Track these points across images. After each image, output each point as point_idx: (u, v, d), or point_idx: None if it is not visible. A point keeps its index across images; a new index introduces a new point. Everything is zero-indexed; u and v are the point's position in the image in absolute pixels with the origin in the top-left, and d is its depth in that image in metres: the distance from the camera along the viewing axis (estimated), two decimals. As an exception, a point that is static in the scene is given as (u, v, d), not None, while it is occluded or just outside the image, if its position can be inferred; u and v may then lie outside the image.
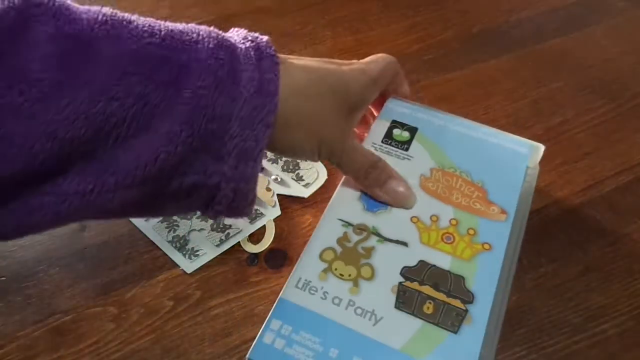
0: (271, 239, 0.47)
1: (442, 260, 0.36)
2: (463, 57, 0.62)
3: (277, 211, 0.49)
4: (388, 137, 0.42)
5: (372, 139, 0.42)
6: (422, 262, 0.36)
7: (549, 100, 0.58)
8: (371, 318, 0.34)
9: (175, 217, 0.48)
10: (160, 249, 0.46)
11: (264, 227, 0.48)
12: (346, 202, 0.39)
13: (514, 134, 0.43)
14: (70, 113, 0.26)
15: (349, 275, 0.35)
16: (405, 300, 0.34)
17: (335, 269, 0.36)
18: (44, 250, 0.47)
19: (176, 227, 0.48)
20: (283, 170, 0.52)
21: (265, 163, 0.52)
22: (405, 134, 0.43)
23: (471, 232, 0.38)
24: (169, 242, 0.47)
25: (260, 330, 0.33)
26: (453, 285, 0.35)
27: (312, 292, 0.35)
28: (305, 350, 0.32)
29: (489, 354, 0.32)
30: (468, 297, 0.34)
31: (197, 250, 0.46)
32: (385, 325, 0.33)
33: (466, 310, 0.34)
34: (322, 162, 0.51)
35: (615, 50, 0.63)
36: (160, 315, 0.42)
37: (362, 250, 0.37)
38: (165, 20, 0.32)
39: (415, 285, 0.35)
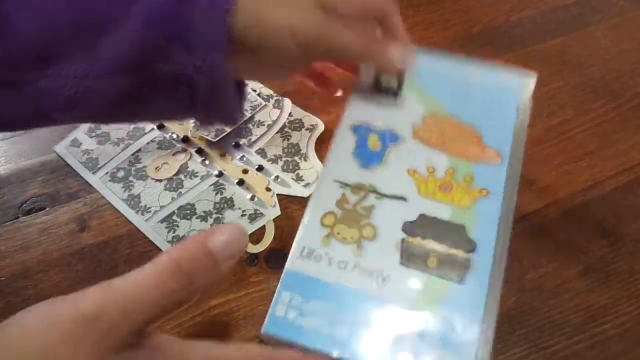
0: (271, 239, 0.47)
1: (441, 211, 0.36)
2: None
3: (277, 211, 0.49)
4: (376, 85, 0.41)
5: (358, 89, 0.41)
6: (422, 216, 0.36)
7: (550, 100, 0.57)
8: (378, 278, 0.34)
9: (175, 217, 0.48)
10: (160, 249, 0.46)
11: (263, 227, 0.48)
12: (340, 162, 0.38)
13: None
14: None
15: (352, 238, 0.35)
16: (409, 256, 0.34)
17: (338, 233, 0.35)
18: (44, 251, 0.47)
19: (176, 227, 0.48)
20: (283, 170, 0.52)
21: (265, 163, 0.52)
22: (393, 82, 0.41)
23: (468, 179, 0.37)
24: (169, 242, 0.47)
25: (272, 304, 0.33)
26: (455, 235, 0.35)
27: (316, 259, 0.35)
28: (318, 319, 0.32)
29: (494, 302, 0.33)
30: (470, 246, 0.34)
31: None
32: (392, 283, 0.33)
33: (469, 259, 0.34)
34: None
35: (616, 50, 0.63)
36: (160, 315, 0.42)
37: (361, 210, 0.36)
38: None
39: (417, 240, 0.35)
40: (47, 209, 0.50)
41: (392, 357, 0.31)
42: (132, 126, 0.56)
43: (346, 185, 0.37)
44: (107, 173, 0.52)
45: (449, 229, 0.35)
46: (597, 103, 0.57)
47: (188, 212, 0.49)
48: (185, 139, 0.54)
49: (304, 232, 0.36)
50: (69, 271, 0.45)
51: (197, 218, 0.48)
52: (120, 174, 0.52)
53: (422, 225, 0.35)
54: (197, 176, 0.52)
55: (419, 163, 0.38)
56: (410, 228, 0.35)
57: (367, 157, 0.38)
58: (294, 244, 0.35)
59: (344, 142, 0.39)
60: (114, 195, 0.50)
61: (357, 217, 0.36)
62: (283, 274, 0.34)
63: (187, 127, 0.55)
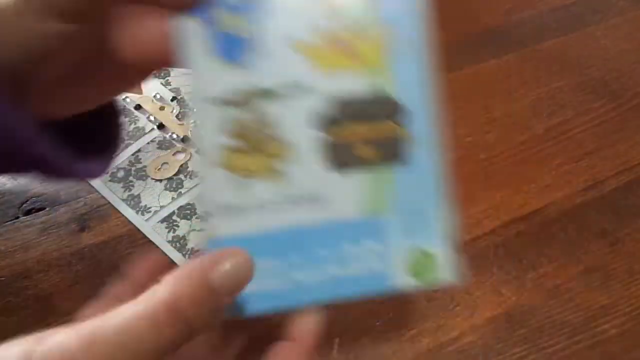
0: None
1: (351, 81, 0.28)
2: (463, 57, 0.62)
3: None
4: None
5: None
6: (331, 98, 0.28)
7: (549, 100, 0.57)
8: (314, 200, 0.28)
9: (175, 217, 0.48)
10: (161, 249, 0.46)
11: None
12: (203, 70, 0.28)
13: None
14: None
15: (263, 167, 0.28)
16: (336, 157, 0.28)
17: (245, 169, 0.28)
18: (44, 251, 0.47)
19: (176, 227, 0.48)
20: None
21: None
22: None
23: (367, 19, 0.29)
24: (168, 242, 0.47)
25: None
26: (377, 106, 0.28)
27: (236, 213, 0.28)
28: (270, 279, 0.27)
29: (444, 169, 0.28)
30: (399, 111, 0.28)
31: (197, 251, 0.46)
32: (332, 198, 0.28)
33: (404, 128, 0.28)
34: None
35: (616, 50, 0.63)
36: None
37: (257, 125, 0.28)
38: None
39: (337, 131, 0.28)
40: (47, 209, 0.50)
41: (353, 274, 0.27)
42: (132, 126, 0.56)
43: (225, 101, 0.28)
44: (107, 173, 0.52)
45: (368, 100, 0.28)
46: (597, 103, 0.57)
47: (188, 212, 0.49)
48: (185, 139, 0.54)
49: (204, 187, 0.28)
50: (69, 271, 0.45)
51: (197, 218, 0.48)
52: (120, 174, 0.52)
53: (335, 111, 0.28)
54: (198, 176, 0.52)
55: (301, 27, 0.28)
56: (322, 121, 0.28)
57: (230, 46, 0.28)
58: (199, 208, 0.29)
59: (193, 40, 0.28)
60: (114, 195, 0.50)
61: (255, 136, 0.28)
62: (207, 247, 0.28)
63: (187, 127, 0.55)
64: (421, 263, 0.28)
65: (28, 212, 0.49)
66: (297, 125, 0.28)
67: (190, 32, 0.28)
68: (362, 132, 0.28)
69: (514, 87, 0.59)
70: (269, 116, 0.28)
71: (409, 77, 0.28)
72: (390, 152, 0.27)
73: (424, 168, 0.27)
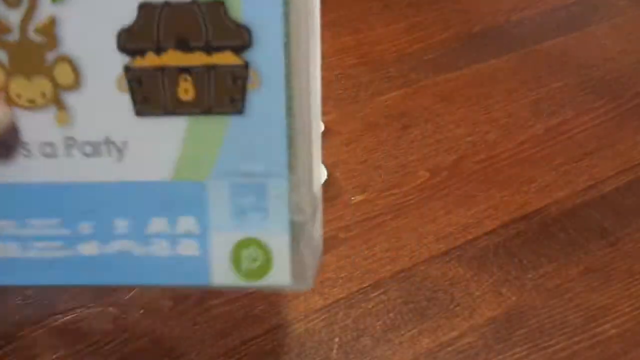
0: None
1: None
2: (463, 57, 0.62)
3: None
4: None
5: None
6: (144, 6, 0.19)
7: (549, 100, 0.57)
8: (111, 151, 0.20)
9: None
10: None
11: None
12: None
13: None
14: None
15: (42, 96, 0.20)
16: (147, 95, 0.20)
17: (19, 96, 0.20)
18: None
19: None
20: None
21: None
22: None
23: None
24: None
25: None
26: (210, 26, 0.19)
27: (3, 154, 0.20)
28: (46, 243, 0.20)
29: (303, 135, 0.19)
30: (242, 38, 0.19)
31: None
32: (136, 152, 0.20)
33: (246, 64, 0.19)
34: None
35: (616, 49, 0.63)
36: (160, 315, 0.42)
37: (37, 35, 0.19)
38: None
39: (150, 59, 0.19)
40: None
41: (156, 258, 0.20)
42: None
43: None
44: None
45: (197, 15, 0.19)
46: (597, 103, 0.57)
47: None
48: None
49: None
50: (69, 271, 0.45)
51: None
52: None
53: (149, 25, 0.19)
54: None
55: None
56: (130, 39, 0.19)
57: None
58: None
59: None
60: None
61: (35, 52, 0.20)
62: None
63: None
64: (252, 256, 0.20)
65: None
66: (95, 40, 0.19)
67: None
68: (184, 62, 0.19)
69: (514, 87, 0.59)
70: (53, 22, 0.19)
71: None
72: (222, 93, 0.19)
73: (268, 120, 0.19)
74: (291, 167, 0.20)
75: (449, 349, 0.40)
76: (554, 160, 0.52)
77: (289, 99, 0.19)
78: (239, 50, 0.19)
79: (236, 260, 0.20)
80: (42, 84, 0.20)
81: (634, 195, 0.49)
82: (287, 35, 0.19)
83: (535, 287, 0.43)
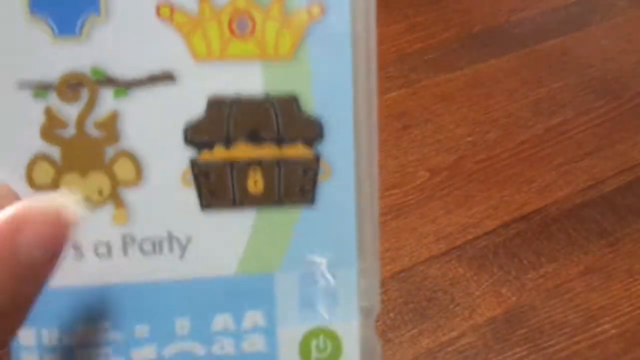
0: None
1: (246, 77, 0.19)
2: (463, 57, 0.62)
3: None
4: None
5: None
6: (213, 101, 0.19)
7: (549, 100, 0.58)
8: (173, 248, 0.19)
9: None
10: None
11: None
12: (9, 36, 0.18)
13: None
14: None
15: (99, 193, 0.19)
16: (214, 189, 0.19)
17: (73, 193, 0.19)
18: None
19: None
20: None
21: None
22: None
23: None
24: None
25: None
26: (282, 119, 0.19)
27: None
28: (97, 349, 0.19)
29: (371, 222, 0.20)
30: (314, 131, 0.19)
31: None
32: (200, 248, 0.19)
33: (317, 157, 0.19)
34: None
35: (616, 49, 0.63)
36: None
37: (97, 129, 0.19)
38: None
39: (219, 152, 0.19)
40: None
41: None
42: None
43: (43, 86, 0.18)
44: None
45: (270, 109, 0.19)
46: (597, 103, 0.57)
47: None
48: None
49: None
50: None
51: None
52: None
53: (218, 119, 0.19)
54: None
55: None
56: (198, 132, 0.19)
57: (59, 3, 0.18)
58: None
59: None
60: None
61: (93, 147, 0.19)
62: None
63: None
64: (321, 346, 0.20)
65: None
66: (159, 134, 0.19)
67: None
68: (255, 155, 0.19)
69: (514, 87, 0.59)
70: (116, 117, 0.19)
71: (333, 81, 0.19)
72: (293, 185, 0.19)
73: (338, 209, 0.19)
74: (360, 254, 0.19)
75: (449, 348, 0.40)
76: (554, 160, 0.52)
77: (358, 187, 0.19)
78: (310, 142, 0.19)
79: (305, 351, 0.20)
80: (99, 181, 0.19)
81: (633, 195, 0.49)
82: (355, 125, 0.19)
83: (535, 287, 0.43)
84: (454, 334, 0.41)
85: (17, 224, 0.16)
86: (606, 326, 0.41)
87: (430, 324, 0.41)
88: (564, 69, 0.61)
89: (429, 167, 0.51)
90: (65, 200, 0.17)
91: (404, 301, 0.42)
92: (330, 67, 0.19)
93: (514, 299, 0.43)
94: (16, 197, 0.18)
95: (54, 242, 0.16)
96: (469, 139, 0.54)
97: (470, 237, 0.46)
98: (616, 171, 0.51)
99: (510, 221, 0.47)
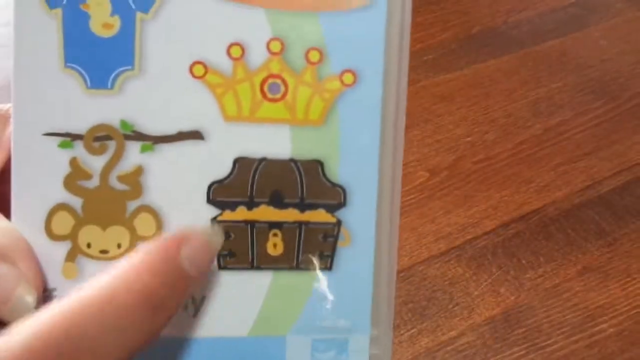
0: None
1: (274, 140, 0.18)
2: (463, 58, 0.62)
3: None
4: None
5: None
6: (240, 161, 0.18)
7: (548, 101, 0.58)
8: (187, 306, 0.19)
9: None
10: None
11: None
12: (41, 85, 0.18)
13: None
14: None
15: (119, 246, 0.19)
16: (233, 249, 0.19)
17: (89, 246, 0.18)
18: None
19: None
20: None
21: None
22: None
23: (314, 55, 0.18)
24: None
25: None
26: (306, 184, 0.19)
27: None
28: None
29: (386, 285, 0.19)
30: (336, 197, 0.19)
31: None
32: (214, 307, 0.19)
33: (338, 223, 0.19)
34: None
35: (614, 50, 0.63)
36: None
37: (120, 183, 0.18)
38: None
39: (241, 213, 0.19)
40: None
41: None
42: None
43: (70, 136, 0.18)
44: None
45: (295, 174, 0.19)
46: (595, 104, 0.57)
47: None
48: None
49: None
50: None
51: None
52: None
53: (243, 180, 0.19)
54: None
55: (210, 41, 0.18)
56: (222, 192, 0.18)
57: (94, 56, 0.18)
58: None
59: (29, 29, 0.17)
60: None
61: (116, 200, 0.18)
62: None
63: None
64: None
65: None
66: (182, 192, 0.18)
67: (29, 23, 0.17)
68: (277, 218, 0.19)
69: (513, 87, 0.59)
70: (141, 171, 0.18)
71: (361, 149, 0.19)
72: (312, 250, 0.19)
73: (355, 276, 0.19)
74: (373, 321, 0.19)
75: (448, 348, 0.40)
76: (553, 161, 0.52)
77: (377, 255, 0.19)
78: (332, 208, 0.19)
79: None
80: (118, 234, 0.19)
81: (631, 196, 0.49)
82: (379, 194, 0.19)
83: (533, 286, 0.44)
84: (453, 333, 0.41)
85: (181, 239, 0.17)
86: (604, 325, 0.41)
87: (429, 323, 0.42)
88: (563, 70, 0.61)
89: (428, 167, 0.51)
90: (216, 231, 0.18)
91: (403, 301, 0.43)
92: (359, 135, 0.19)
93: (512, 298, 0.43)
94: (29, 250, 0.18)
95: (206, 260, 0.18)
96: (468, 139, 0.54)
97: (469, 237, 0.46)
98: (614, 171, 0.51)
99: (509, 221, 0.47)
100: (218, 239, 0.18)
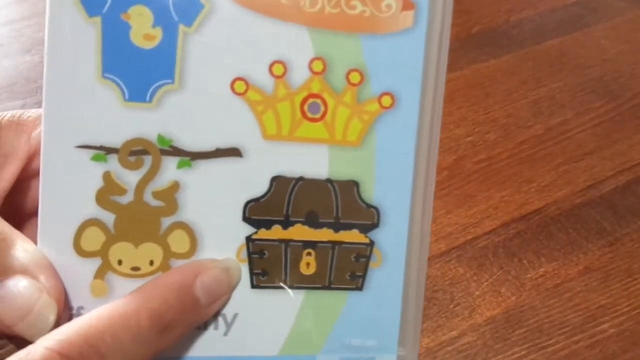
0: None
1: (312, 160, 0.19)
2: (463, 57, 0.62)
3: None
4: None
5: None
6: (277, 180, 0.19)
7: (549, 100, 0.58)
8: (218, 325, 0.19)
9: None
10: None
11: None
12: (78, 96, 0.17)
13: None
14: None
15: (151, 263, 0.18)
16: (267, 267, 0.19)
17: (120, 262, 0.18)
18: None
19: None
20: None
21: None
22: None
23: (355, 76, 0.18)
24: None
25: None
26: (342, 204, 0.19)
27: None
28: None
29: (414, 308, 0.19)
30: (371, 218, 0.19)
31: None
32: (245, 326, 0.19)
33: (371, 244, 0.19)
34: None
35: (615, 50, 0.63)
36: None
37: (155, 198, 0.18)
38: None
39: (276, 231, 0.19)
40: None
41: None
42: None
43: (105, 150, 0.17)
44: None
45: (331, 194, 0.19)
46: (596, 103, 0.57)
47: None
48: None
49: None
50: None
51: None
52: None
53: (280, 199, 0.19)
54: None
55: (252, 58, 0.18)
56: (258, 211, 0.18)
57: (134, 69, 0.17)
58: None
59: (65, 36, 0.17)
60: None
61: (150, 216, 0.18)
62: None
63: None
64: None
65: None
66: (217, 209, 0.18)
67: (65, 30, 0.16)
68: (311, 237, 0.19)
69: (513, 87, 0.59)
70: (176, 186, 0.18)
71: (396, 171, 0.19)
72: (344, 270, 0.19)
73: (385, 297, 0.19)
74: (401, 341, 0.20)
75: (449, 348, 0.40)
76: (554, 160, 0.52)
77: (407, 276, 0.20)
78: (366, 229, 0.19)
79: None
80: (151, 251, 0.18)
81: (633, 195, 0.49)
82: (411, 216, 0.19)
83: (534, 286, 0.44)
84: (453, 333, 0.41)
85: (198, 268, 0.18)
86: (605, 325, 0.41)
87: (430, 323, 0.42)
88: (563, 69, 0.61)
89: (428, 167, 0.51)
90: (233, 263, 0.18)
91: (403, 301, 0.42)
92: (394, 157, 0.19)
93: (513, 298, 0.43)
94: (51, 267, 0.18)
95: (221, 292, 0.18)
96: (469, 139, 0.54)
97: (470, 237, 0.46)
98: (615, 171, 0.51)
99: (510, 221, 0.47)
100: (236, 273, 0.19)
